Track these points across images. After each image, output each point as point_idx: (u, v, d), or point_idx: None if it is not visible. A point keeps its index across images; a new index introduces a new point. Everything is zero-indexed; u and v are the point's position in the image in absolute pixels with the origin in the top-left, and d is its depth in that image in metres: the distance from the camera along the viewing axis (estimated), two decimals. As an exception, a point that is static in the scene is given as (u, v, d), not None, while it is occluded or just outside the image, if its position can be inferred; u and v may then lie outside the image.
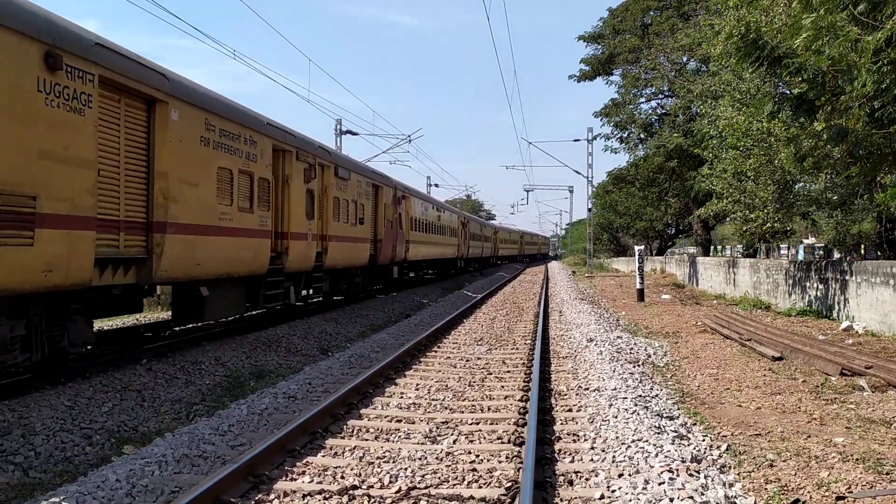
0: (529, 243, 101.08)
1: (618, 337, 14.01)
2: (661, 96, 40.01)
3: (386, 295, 25.26)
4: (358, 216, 19.85)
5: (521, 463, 5.77)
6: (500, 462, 6.01)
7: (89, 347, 10.56)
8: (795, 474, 5.75)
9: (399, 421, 7.48)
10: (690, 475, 5.51)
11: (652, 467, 5.69)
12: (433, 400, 8.39)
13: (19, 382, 8.66)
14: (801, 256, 54.96)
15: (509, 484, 5.38)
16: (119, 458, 6.42)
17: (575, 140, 46.37)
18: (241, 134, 12.47)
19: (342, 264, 18.73)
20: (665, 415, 7.63)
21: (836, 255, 41.41)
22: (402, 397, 8.55)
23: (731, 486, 5.49)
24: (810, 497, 5.29)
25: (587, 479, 5.57)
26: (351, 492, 5.28)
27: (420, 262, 32.39)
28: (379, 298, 24.11)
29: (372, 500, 5.17)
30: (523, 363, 10.85)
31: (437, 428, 7.09)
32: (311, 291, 17.19)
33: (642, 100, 41.08)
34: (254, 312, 16.58)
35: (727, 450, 6.46)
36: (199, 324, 14.31)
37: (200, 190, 10.97)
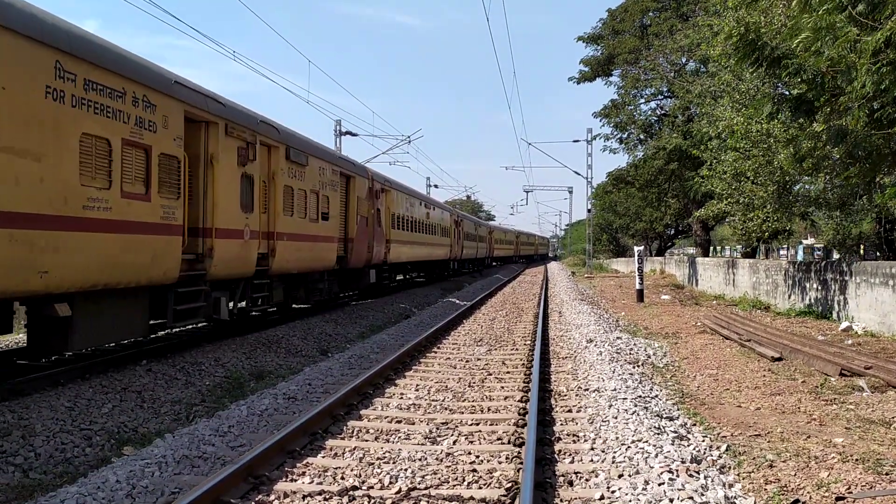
0: (525, 244, 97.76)
1: (617, 337, 14.01)
2: (660, 97, 40.03)
3: (358, 303, 22.36)
4: (320, 210, 16.82)
5: (521, 463, 5.77)
6: (500, 463, 6.01)
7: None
8: (795, 475, 5.75)
9: (399, 422, 7.48)
10: (690, 476, 5.52)
11: (652, 468, 5.69)
12: (433, 400, 8.39)
13: (20, 383, 8.66)
14: (800, 257, 54.99)
15: (509, 484, 5.38)
16: (119, 459, 6.42)
17: (574, 141, 46.50)
18: (127, 91, 9.25)
19: (298, 268, 15.71)
20: (665, 415, 7.63)
21: (836, 256, 41.44)
22: (401, 398, 8.55)
23: (730, 486, 5.50)
24: (810, 497, 5.30)
25: (587, 480, 5.57)
26: (351, 492, 5.28)
27: (405, 264, 29.48)
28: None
29: (372, 501, 5.17)
30: (523, 364, 10.85)
31: (437, 429, 7.10)
32: (254, 303, 14.20)
33: (642, 100, 41.11)
34: (172, 326, 11.82)
35: (727, 450, 6.46)
36: (65, 353, 10.01)
37: (46, 165, 7.82)
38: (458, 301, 24.51)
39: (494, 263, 67.87)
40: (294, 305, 17.69)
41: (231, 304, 12.78)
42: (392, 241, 24.75)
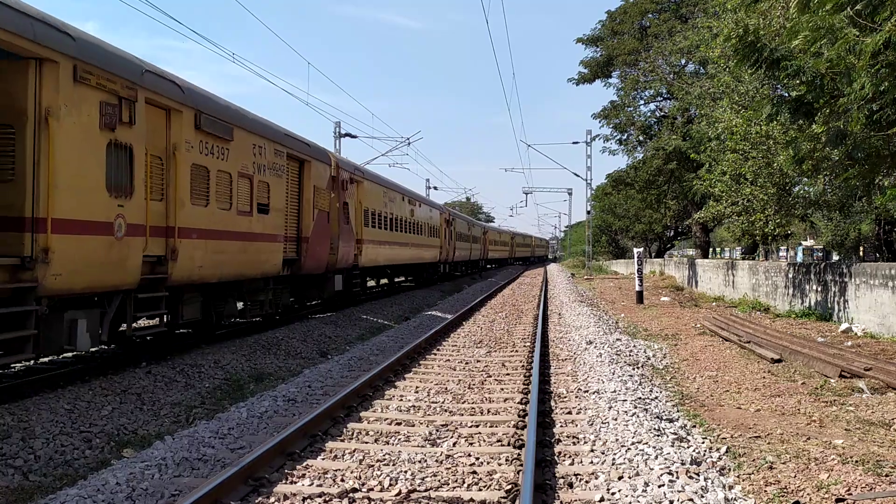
0: (521, 245, 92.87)
1: (617, 339, 14.02)
2: (659, 98, 40.07)
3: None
4: (255, 200, 13.12)
5: (521, 465, 5.77)
6: (499, 465, 6.01)
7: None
8: (795, 476, 5.75)
9: (399, 424, 7.48)
10: (690, 477, 5.52)
11: (652, 469, 5.69)
12: (433, 402, 8.39)
13: (20, 385, 8.66)
14: (799, 258, 55.03)
15: (509, 486, 5.38)
16: (119, 461, 6.42)
17: (574, 142, 46.71)
18: None
19: (221, 275, 11.90)
20: (664, 417, 7.64)
21: (835, 257, 41.47)
22: (401, 400, 8.55)
23: (730, 488, 5.50)
24: (810, 499, 5.30)
25: (587, 482, 5.57)
26: (351, 495, 5.28)
27: (383, 267, 26.09)
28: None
29: (372, 503, 5.17)
30: (523, 365, 10.85)
31: (437, 430, 7.09)
32: (138, 322, 10.38)
33: (641, 102, 41.16)
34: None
35: (727, 452, 6.46)
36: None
37: None
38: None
39: (489, 266, 65.28)
40: (233, 320, 14.14)
41: (102, 329, 9.23)
42: (365, 242, 21.29)
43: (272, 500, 5.24)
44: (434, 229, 34.72)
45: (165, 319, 10.89)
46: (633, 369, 10.70)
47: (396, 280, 32.18)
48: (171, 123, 10.55)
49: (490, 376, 10.09)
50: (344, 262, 18.87)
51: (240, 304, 13.82)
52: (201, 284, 11.63)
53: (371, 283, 30.23)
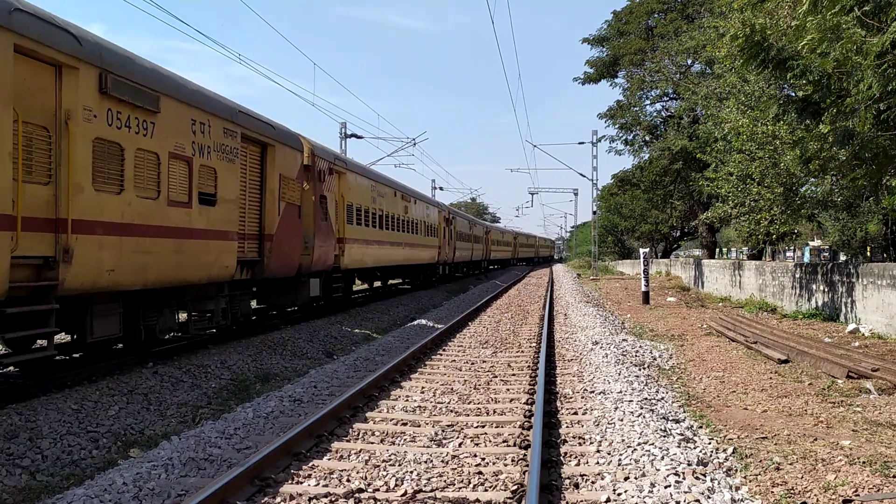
0: (524, 245, 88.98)
1: (623, 340, 14.00)
2: (665, 98, 40.00)
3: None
4: (196, 189, 10.80)
5: (527, 466, 5.77)
6: (505, 465, 6.01)
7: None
8: (802, 477, 5.73)
9: (404, 424, 7.48)
10: (697, 478, 5.51)
11: (658, 470, 5.68)
12: (438, 403, 8.39)
13: (27, 385, 8.69)
14: (806, 259, 54.86)
15: (515, 487, 5.37)
16: (125, 461, 6.44)
17: (580, 143, 46.62)
18: None
19: (148, 281, 9.74)
20: (671, 418, 7.62)
21: (842, 258, 41.33)
22: (407, 400, 8.55)
23: (737, 489, 5.49)
24: (817, 500, 5.28)
25: (593, 483, 5.56)
26: (357, 495, 5.29)
27: (371, 269, 23.80)
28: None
29: (378, 503, 5.17)
30: (528, 366, 10.84)
31: (443, 431, 7.10)
32: (26, 348, 9.04)
33: (647, 102, 41.09)
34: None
35: (733, 453, 6.44)
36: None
37: None
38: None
39: (493, 267, 63.05)
40: (171, 335, 11.84)
41: None
42: (349, 241, 18.87)
43: (278, 500, 5.24)
44: (432, 228, 32.50)
45: (72, 338, 9.33)
46: (640, 370, 10.68)
47: (392, 282, 30.70)
48: (63, 83, 8.08)
49: (496, 377, 10.09)
50: (322, 263, 16.47)
51: (183, 315, 11.62)
52: (119, 292, 9.43)
53: (363, 285, 28.90)
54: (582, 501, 5.20)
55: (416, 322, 18.42)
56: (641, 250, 26.36)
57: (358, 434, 7.11)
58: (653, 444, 6.38)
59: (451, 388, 9.25)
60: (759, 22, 11.16)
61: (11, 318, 7.43)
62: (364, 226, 20.71)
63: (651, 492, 5.24)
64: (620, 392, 8.69)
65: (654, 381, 9.97)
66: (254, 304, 15.51)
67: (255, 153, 13.29)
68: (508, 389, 9.19)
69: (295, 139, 15.23)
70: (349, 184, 19.22)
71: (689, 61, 35.52)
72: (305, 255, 15.41)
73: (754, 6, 12.05)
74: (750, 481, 5.73)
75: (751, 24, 11.06)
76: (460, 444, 6.67)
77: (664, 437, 6.67)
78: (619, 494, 5.25)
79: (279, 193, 13.89)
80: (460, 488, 5.47)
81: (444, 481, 5.60)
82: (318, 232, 16.06)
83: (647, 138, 40.37)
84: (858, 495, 5.30)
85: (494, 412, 7.98)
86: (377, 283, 28.98)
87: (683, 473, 5.58)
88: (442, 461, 6.14)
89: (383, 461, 6.14)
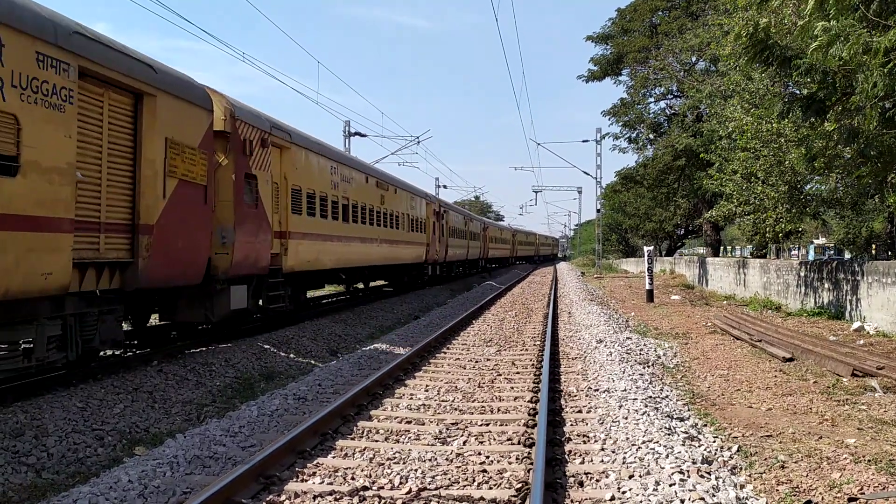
0: (524, 243, 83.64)
1: (627, 338, 13.98)
2: (670, 96, 39.96)
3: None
4: None
5: (532, 464, 5.77)
6: (510, 463, 6.01)
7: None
8: (807, 475, 5.73)
9: (409, 422, 7.49)
10: (701, 476, 5.50)
11: (662, 468, 5.68)
12: (443, 401, 8.40)
13: (32, 384, 8.72)
14: (811, 257, 54.75)
15: (520, 485, 5.38)
16: (131, 459, 6.46)
17: (583, 141, 46.41)
18: None
19: None
20: (675, 416, 7.62)
21: (847, 255, 41.24)
22: (411, 398, 8.56)
23: (742, 487, 5.48)
24: (822, 498, 5.27)
25: (598, 481, 5.56)
26: (361, 493, 5.29)
27: (332, 271, 18.90)
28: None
29: (382, 501, 5.18)
30: (533, 364, 10.84)
31: (447, 429, 7.10)
32: None
33: (651, 100, 41.07)
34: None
35: (738, 451, 6.44)
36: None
37: None
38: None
39: (490, 266, 58.27)
40: None
41: None
42: (294, 235, 14.88)
43: (283, 498, 5.25)
44: (418, 223, 28.45)
45: None
46: (644, 368, 10.67)
47: (374, 284, 27.11)
48: None
49: (500, 375, 10.09)
50: (250, 264, 12.58)
51: None
52: None
53: (339, 287, 25.14)
54: (586, 499, 5.20)
55: (420, 320, 18.42)
56: (646, 248, 26.35)
57: (362, 432, 7.12)
58: (657, 442, 6.38)
59: (456, 386, 9.26)
60: (764, 21, 11.13)
61: None
62: (320, 217, 16.53)
63: (656, 490, 5.24)
64: (625, 390, 8.69)
65: (659, 379, 9.96)
66: (155, 318, 12.99)
67: (119, 105, 9.18)
68: (513, 387, 9.19)
69: (198, 93, 10.95)
70: (296, 162, 15.13)
71: (694, 59, 35.49)
72: (222, 253, 11.76)
73: (759, 4, 12.02)
74: (755, 479, 5.72)
75: (755, 23, 11.04)
76: (465, 443, 6.68)
77: (669, 435, 6.67)
78: (623, 493, 5.25)
79: (166, 166, 9.88)
80: (465, 486, 5.47)
81: (449, 479, 5.61)
82: (241, 223, 12.15)
83: (651, 136, 40.35)
84: (863, 493, 5.29)
85: (499, 410, 7.98)
86: (362, 284, 25.30)
87: (688, 471, 5.57)
88: (446, 459, 6.15)
89: (388, 459, 6.15)
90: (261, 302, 13.77)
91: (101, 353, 10.47)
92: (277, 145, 14.24)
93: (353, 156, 21.24)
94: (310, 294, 23.86)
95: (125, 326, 11.70)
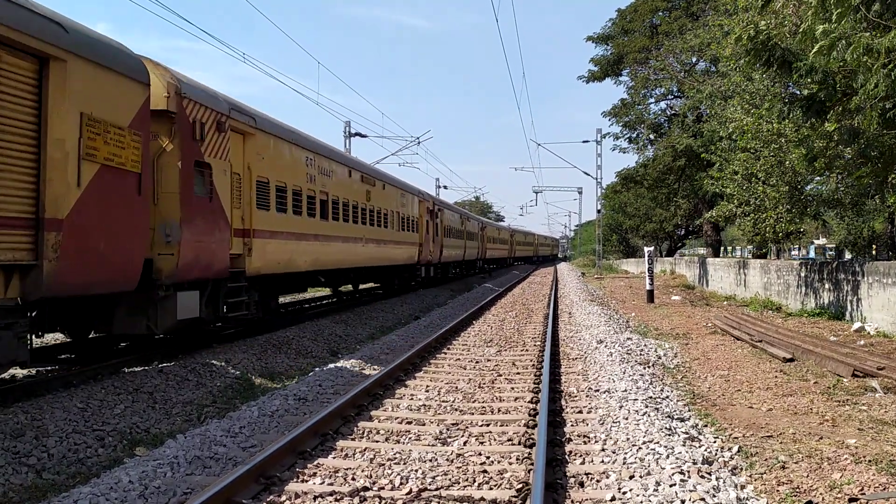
0: (522, 244, 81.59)
1: (628, 338, 13.98)
2: (670, 97, 39.96)
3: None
4: None
5: (532, 464, 5.77)
6: (510, 464, 6.01)
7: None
8: (807, 476, 5.73)
9: (409, 423, 7.49)
10: (702, 477, 5.50)
11: (663, 469, 5.68)
12: (443, 401, 8.40)
13: (33, 384, 8.72)
14: (811, 257, 54.72)
15: (520, 485, 5.38)
16: (131, 459, 6.46)
17: (584, 141, 46.47)
18: None
19: None
20: (676, 416, 7.61)
21: (848, 256, 41.23)
22: (412, 399, 8.56)
23: (742, 487, 5.48)
24: (822, 499, 5.27)
25: (598, 481, 5.56)
26: (362, 493, 5.29)
27: (309, 274, 16.97)
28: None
29: (383, 502, 5.18)
30: (533, 365, 10.84)
31: (448, 429, 7.10)
32: None
33: (651, 100, 41.08)
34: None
35: (738, 451, 6.44)
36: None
37: None
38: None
39: (487, 266, 56.81)
40: None
41: None
42: (260, 233, 13.19)
43: (283, 498, 5.25)
44: (410, 221, 26.79)
45: None
46: (644, 368, 10.67)
47: (366, 286, 25.85)
48: None
49: (500, 375, 10.09)
50: (202, 267, 10.91)
51: None
52: None
53: (325, 290, 23.64)
54: (587, 500, 5.20)
55: (421, 320, 18.42)
56: (646, 249, 26.34)
57: (363, 432, 7.12)
58: (658, 442, 6.38)
59: (456, 387, 9.26)
60: (765, 22, 11.14)
61: None
62: (293, 213, 14.86)
63: (656, 490, 5.24)
64: (625, 391, 8.68)
65: (659, 379, 9.96)
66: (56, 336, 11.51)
67: (16, 71, 7.43)
68: (513, 388, 9.19)
69: (128, 62, 9.08)
70: (262, 151, 13.34)
71: (694, 59, 35.48)
72: (165, 254, 10.13)
73: (761, 8, 12.02)
74: (755, 480, 5.72)
75: (755, 24, 11.04)
76: (465, 443, 6.68)
77: (669, 435, 6.67)
78: (624, 493, 5.25)
79: (81, 148, 8.16)
80: (465, 487, 5.47)
81: (449, 480, 5.60)
82: (190, 218, 10.48)
83: (652, 136, 40.36)
84: (864, 494, 5.29)
85: (499, 411, 7.98)
86: (347, 287, 23.80)
87: (688, 472, 5.57)
88: (447, 460, 6.15)
89: (388, 460, 6.15)
90: (225, 309, 12.05)
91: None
92: (239, 131, 12.49)
93: (335, 147, 19.10)
94: (290, 298, 23.37)
95: (59, 338, 11.33)
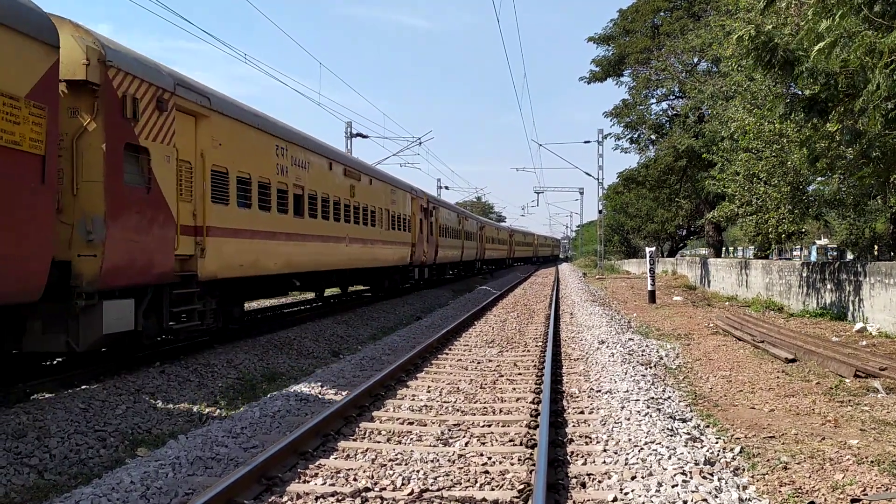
0: (522, 244, 79.70)
1: (629, 339, 13.97)
2: (671, 97, 39.94)
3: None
4: None
5: (534, 465, 5.76)
6: (512, 464, 6.00)
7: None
8: (810, 476, 5.72)
9: (411, 423, 7.48)
10: (704, 478, 5.49)
11: (665, 470, 5.67)
12: (445, 402, 8.39)
13: (35, 385, 8.73)
14: (813, 258, 54.69)
15: (522, 486, 5.37)
16: (133, 460, 6.46)
17: (585, 142, 46.40)
18: None
19: None
20: (678, 417, 7.61)
21: (850, 256, 41.19)
22: (413, 399, 8.56)
23: (744, 488, 5.47)
24: (825, 500, 5.26)
25: (600, 482, 5.56)
26: (363, 494, 5.29)
27: (283, 277, 15.12)
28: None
29: (384, 502, 5.17)
30: (535, 365, 10.83)
31: (449, 430, 7.10)
32: None
33: (653, 101, 41.06)
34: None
35: (741, 452, 6.43)
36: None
37: None
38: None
39: (485, 267, 54.76)
40: None
41: None
42: (216, 231, 11.37)
43: (285, 499, 5.25)
44: (401, 220, 25.07)
45: None
46: (646, 369, 10.66)
47: (353, 289, 24.37)
48: None
49: (502, 376, 10.09)
50: (139, 270, 9.30)
51: None
52: None
53: (309, 294, 21.76)
54: (589, 501, 5.19)
55: (422, 321, 18.41)
56: (647, 249, 26.31)
57: (364, 433, 7.11)
58: (660, 443, 6.37)
59: (458, 388, 9.25)
60: (768, 22, 11.13)
61: None
62: (259, 209, 13.03)
63: (658, 491, 5.23)
64: (627, 391, 8.68)
65: (661, 380, 9.95)
66: None
67: None
68: (515, 388, 9.19)
69: (29, 18, 7.29)
70: (219, 136, 11.55)
71: (696, 60, 35.46)
72: (87, 255, 8.38)
73: (763, 9, 12.01)
74: (757, 480, 5.71)
75: (756, 24, 11.03)
76: (467, 444, 6.67)
77: (671, 436, 6.66)
78: (626, 494, 5.25)
79: None
80: (467, 487, 5.47)
81: (451, 480, 5.60)
82: (118, 212, 8.80)
83: (653, 137, 40.35)
84: (867, 495, 5.28)
85: (501, 411, 7.98)
86: (334, 290, 22.21)
87: (690, 473, 5.56)
88: (448, 460, 6.14)
89: (390, 460, 6.15)
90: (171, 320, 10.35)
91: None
92: (189, 111, 10.71)
93: (312, 136, 16.86)
94: (267, 303, 21.72)
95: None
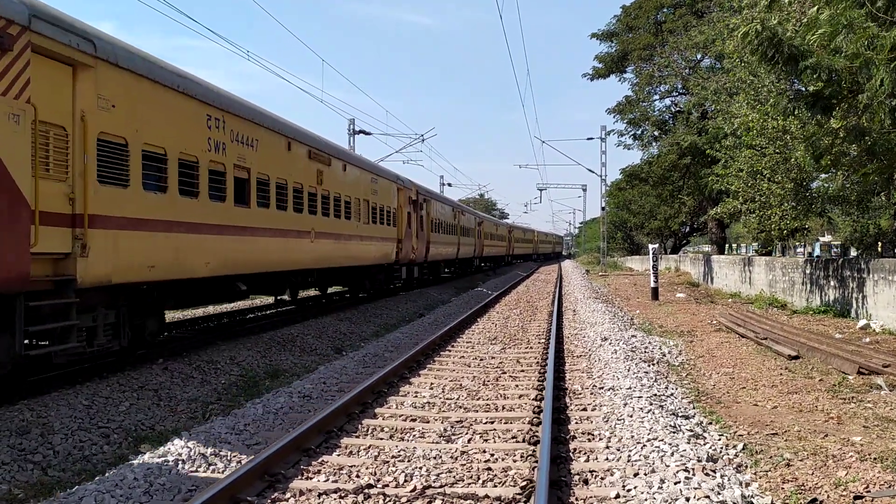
0: (521, 241, 76.67)
1: (632, 336, 13.96)
2: (674, 94, 39.88)
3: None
4: None
5: (536, 462, 5.77)
6: (514, 461, 6.01)
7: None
8: (812, 474, 5.71)
9: (414, 420, 7.49)
10: (706, 474, 5.49)
11: (668, 466, 5.67)
12: (447, 399, 8.40)
13: (38, 381, 8.75)
14: (817, 254, 54.58)
15: (524, 483, 5.37)
16: (136, 456, 6.47)
17: (588, 138, 46.24)
18: None
19: None
20: (680, 414, 7.60)
21: (853, 253, 41.10)
22: (416, 396, 8.56)
23: (747, 485, 5.47)
24: (828, 496, 5.26)
25: (602, 479, 5.56)
26: (366, 490, 5.30)
27: (227, 280, 12.32)
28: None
29: (387, 499, 5.18)
30: (537, 362, 10.83)
31: (452, 427, 7.10)
32: None
33: (656, 97, 40.99)
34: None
35: (743, 449, 6.43)
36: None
37: None
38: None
39: (484, 265, 52.34)
40: None
41: None
42: (111, 222, 8.68)
43: (288, 495, 5.26)
44: (385, 212, 22.38)
45: None
46: (649, 366, 10.66)
47: (331, 291, 22.33)
48: None
49: (505, 373, 10.09)
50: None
51: None
52: None
53: (275, 298, 18.18)
54: (591, 497, 5.19)
55: (425, 318, 18.42)
56: (651, 246, 26.27)
57: (367, 430, 7.12)
58: (662, 440, 6.37)
59: (460, 384, 9.25)
60: (773, 17, 11.09)
61: None
62: (181, 195, 10.38)
63: (661, 488, 5.23)
64: (630, 388, 8.67)
65: (664, 377, 9.95)
66: None
67: None
68: (517, 385, 9.19)
69: None
70: (113, 95, 8.77)
71: (699, 56, 35.38)
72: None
73: (767, 6, 11.97)
74: (760, 477, 5.71)
75: (760, 20, 11.00)
76: (469, 440, 6.68)
77: (674, 433, 6.66)
78: (628, 490, 5.25)
79: None
80: (469, 484, 5.47)
81: (454, 477, 5.60)
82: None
83: (656, 133, 40.29)
84: (869, 491, 5.27)
85: (503, 408, 7.98)
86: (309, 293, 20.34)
87: (693, 469, 5.56)
88: (451, 457, 6.15)
89: (392, 457, 6.15)
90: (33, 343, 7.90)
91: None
92: (61, 58, 7.85)
93: (266, 110, 13.92)
94: (230, 307, 19.51)
95: None
